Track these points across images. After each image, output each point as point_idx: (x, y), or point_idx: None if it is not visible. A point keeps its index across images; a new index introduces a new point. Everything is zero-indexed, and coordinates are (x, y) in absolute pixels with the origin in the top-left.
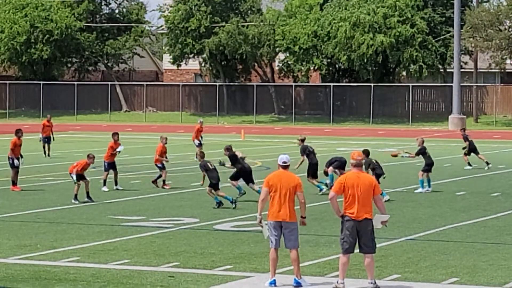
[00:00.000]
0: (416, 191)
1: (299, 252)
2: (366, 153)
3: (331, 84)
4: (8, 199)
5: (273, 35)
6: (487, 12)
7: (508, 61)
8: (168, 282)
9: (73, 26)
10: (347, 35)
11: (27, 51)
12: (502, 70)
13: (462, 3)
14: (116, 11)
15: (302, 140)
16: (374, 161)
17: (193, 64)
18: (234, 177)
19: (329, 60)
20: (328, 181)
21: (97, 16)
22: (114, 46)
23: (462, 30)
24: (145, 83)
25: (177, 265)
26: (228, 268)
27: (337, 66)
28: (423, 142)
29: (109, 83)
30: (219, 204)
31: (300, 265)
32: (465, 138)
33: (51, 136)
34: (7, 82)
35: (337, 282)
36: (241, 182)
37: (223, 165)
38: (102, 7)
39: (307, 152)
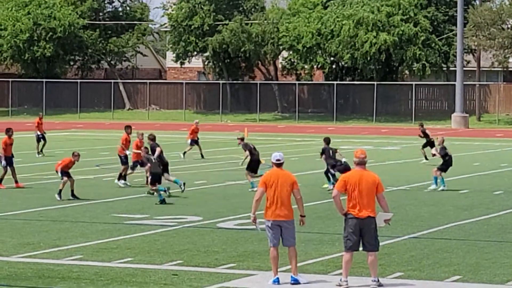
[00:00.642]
0: (429, 188)
1: (297, 250)
2: (327, 141)
3: (335, 82)
4: (11, 197)
5: (277, 33)
6: (490, 11)
7: (511, 59)
8: (171, 280)
9: (76, 24)
10: (351, 33)
11: (30, 48)
12: (505, 69)
13: (465, 2)
14: (120, 9)
15: (242, 139)
16: (331, 151)
17: (197, 62)
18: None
19: (332, 59)
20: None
21: (100, 14)
22: (117, 44)
23: (465, 28)
24: (148, 81)
25: (181, 263)
26: (231, 266)
27: (340, 64)
28: (443, 141)
29: (112, 81)
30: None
31: (304, 263)
32: (424, 133)
33: (44, 134)
34: (10, 79)
35: (341, 280)
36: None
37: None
38: (106, 4)
39: (249, 148)
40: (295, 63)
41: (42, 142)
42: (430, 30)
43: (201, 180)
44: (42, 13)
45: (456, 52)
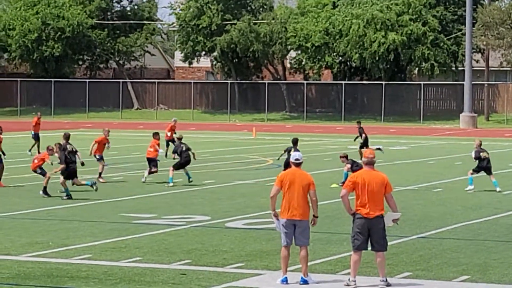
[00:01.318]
0: (466, 189)
1: (308, 250)
2: (294, 141)
3: (343, 82)
4: (20, 196)
5: (285, 33)
6: (499, 10)
7: None
8: (180, 280)
9: (85, 24)
10: (359, 32)
11: (38, 48)
12: None
13: (474, 1)
14: (128, 8)
15: (180, 139)
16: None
17: (205, 61)
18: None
19: (341, 58)
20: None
21: (109, 13)
22: (126, 44)
23: (473, 28)
24: (156, 80)
25: (189, 262)
26: (239, 266)
27: (349, 64)
28: (480, 144)
29: (121, 80)
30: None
31: (312, 262)
32: (360, 132)
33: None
34: (19, 79)
35: (349, 279)
36: None
37: None
38: (114, 4)
39: (181, 150)
40: (303, 63)
41: (36, 141)
42: (439, 30)
43: (209, 179)
44: (50, 13)
45: (464, 51)
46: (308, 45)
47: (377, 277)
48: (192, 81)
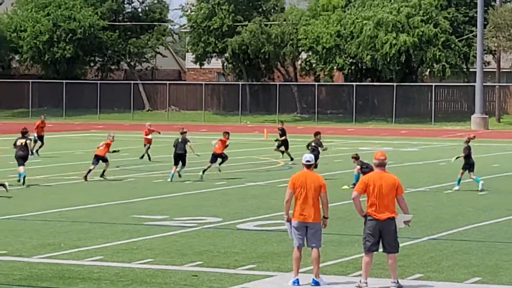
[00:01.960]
0: (454, 189)
1: (320, 252)
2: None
3: (354, 83)
4: (32, 198)
5: (296, 34)
6: (510, 12)
7: None
8: (191, 281)
9: (96, 25)
10: (371, 34)
11: (49, 50)
12: None
13: (485, 3)
14: (139, 10)
15: (182, 133)
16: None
17: (216, 63)
18: None
19: (352, 60)
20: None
21: (120, 15)
22: (137, 45)
23: (485, 29)
24: (168, 82)
25: (201, 264)
26: (251, 268)
27: (360, 65)
28: (469, 141)
29: (132, 82)
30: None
31: (323, 264)
32: (282, 132)
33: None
34: (30, 80)
35: (360, 281)
36: None
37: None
38: (125, 6)
39: (177, 142)
40: (314, 65)
41: (39, 143)
42: (450, 31)
43: (221, 181)
44: (61, 15)
45: (476, 53)
46: (319, 48)
47: (389, 279)
48: (203, 82)
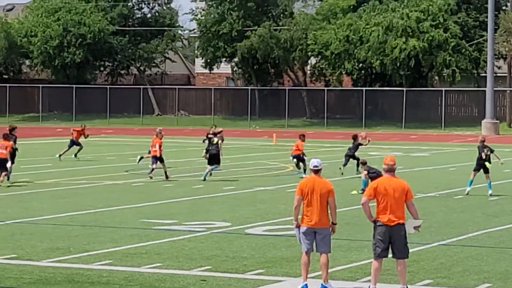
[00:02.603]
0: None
1: (329, 257)
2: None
3: (363, 88)
4: (42, 202)
5: (305, 39)
6: None
7: None
8: (200, 286)
9: (106, 30)
10: (380, 39)
11: (60, 54)
12: None
13: (496, 7)
14: (149, 15)
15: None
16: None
17: (225, 67)
18: None
19: (361, 65)
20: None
21: (130, 20)
22: (147, 50)
23: (495, 34)
24: (177, 86)
25: (209, 269)
26: (260, 272)
27: (369, 70)
28: (483, 141)
29: (141, 86)
30: None
31: (332, 269)
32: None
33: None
34: (40, 85)
35: (369, 287)
36: None
37: None
38: (135, 11)
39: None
40: (323, 70)
41: (78, 147)
42: (460, 36)
43: (230, 186)
44: (72, 20)
45: (486, 57)
46: (328, 53)
47: (398, 285)
48: (213, 87)
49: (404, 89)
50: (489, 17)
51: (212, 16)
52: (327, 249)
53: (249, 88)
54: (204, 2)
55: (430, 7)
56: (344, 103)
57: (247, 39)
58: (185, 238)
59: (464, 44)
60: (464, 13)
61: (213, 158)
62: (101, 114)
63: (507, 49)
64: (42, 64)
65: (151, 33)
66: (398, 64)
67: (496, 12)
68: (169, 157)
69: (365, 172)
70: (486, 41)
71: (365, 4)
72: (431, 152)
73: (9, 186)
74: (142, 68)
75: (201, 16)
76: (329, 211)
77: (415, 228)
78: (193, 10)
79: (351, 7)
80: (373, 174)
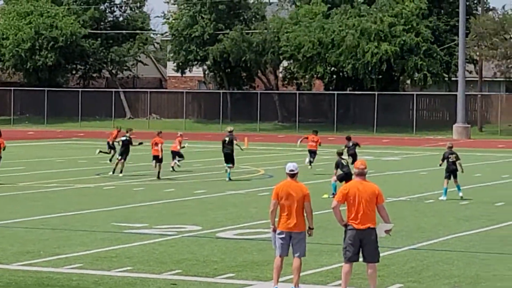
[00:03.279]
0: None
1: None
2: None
3: (335, 92)
4: (14, 205)
5: (277, 42)
6: (492, 21)
7: None
8: None
9: (78, 33)
10: (353, 43)
11: (31, 57)
12: (507, 79)
13: (467, 12)
14: (121, 18)
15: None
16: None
17: (197, 71)
18: None
19: (333, 68)
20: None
21: (102, 23)
22: (119, 53)
23: (467, 38)
24: (149, 90)
25: (180, 272)
26: (230, 276)
27: (341, 74)
28: (451, 147)
29: (113, 90)
30: None
31: (303, 273)
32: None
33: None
34: (12, 88)
35: None
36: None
37: None
38: (107, 14)
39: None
40: (295, 73)
41: (112, 151)
42: (432, 40)
43: (201, 189)
44: (44, 23)
45: (458, 62)
46: (300, 56)
47: None
48: (185, 90)
49: (376, 93)
50: (460, 21)
51: (184, 19)
52: (302, 253)
53: (221, 91)
54: (176, 6)
55: (403, 10)
56: (316, 107)
57: (219, 42)
58: (156, 241)
59: (436, 48)
60: (436, 17)
61: (228, 158)
62: (73, 117)
63: (478, 53)
64: (14, 67)
65: (123, 36)
66: (370, 68)
67: (468, 17)
68: (141, 161)
69: (335, 177)
70: (458, 45)
71: (337, 8)
72: (403, 156)
73: None
74: (114, 71)
75: (173, 19)
76: (305, 215)
77: (386, 232)
78: (165, 14)
79: (323, 12)
80: (341, 175)
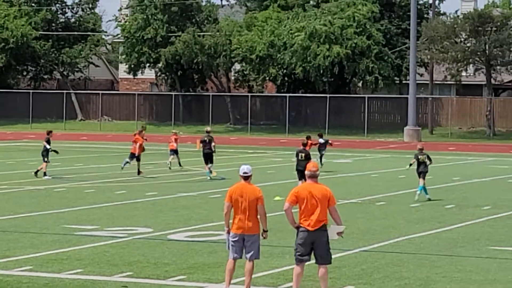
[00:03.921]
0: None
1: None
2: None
3: (287, 94)
4: None
5: (230, 45)
6: (443, 25)
7: (463, 73)
8: None
9: (29, 35)
10: (303, 45)
11: None
12: (458, 82)
13: (418, 15)
14: (72, 20)
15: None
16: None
17: (149, 73)
18: None
19: (285, 71)
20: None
21: (53, 24)
22: (70, 55)
23: (418, 42)
24: (100, 92)
25: (131, 275)
26: (181, 279)
27: (293, 76)
28: (422, 148)
29: (65, 91)
30: None
31: (254, 275)
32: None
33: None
34: None
35: None
36: None
37: None
38: (59, 15)
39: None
40: (247, 75)
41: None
42: (383, 43)
43: (152, 191)
44: None
45: (409, 65)
46: (253, 56)
47: None
48: (136, 92)
49: (328, 95)
50: (412, 25)
51: (136, 21)
52: (256, 255)
53: (173, 93)
54: (128, 9)
55: (355, 13)
56: (268, 109)
57: (171, 45)
58: (107, 244)
59: (387, 51)
60: (387, 20)
61: (208, 157)
62: (24, 119)
63: (429, 57)
64: None
65: (75, 37)
66: (321, 71)
67: (419, 20)
68: (92, 163)
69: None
70: (409, 48)
71: (289, 11)
72: (354, 159)
73: None
74: (65, 73)
75: (126, 21)
76: (259, 218)
77: (338, 234)
78: (117, 17)
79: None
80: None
